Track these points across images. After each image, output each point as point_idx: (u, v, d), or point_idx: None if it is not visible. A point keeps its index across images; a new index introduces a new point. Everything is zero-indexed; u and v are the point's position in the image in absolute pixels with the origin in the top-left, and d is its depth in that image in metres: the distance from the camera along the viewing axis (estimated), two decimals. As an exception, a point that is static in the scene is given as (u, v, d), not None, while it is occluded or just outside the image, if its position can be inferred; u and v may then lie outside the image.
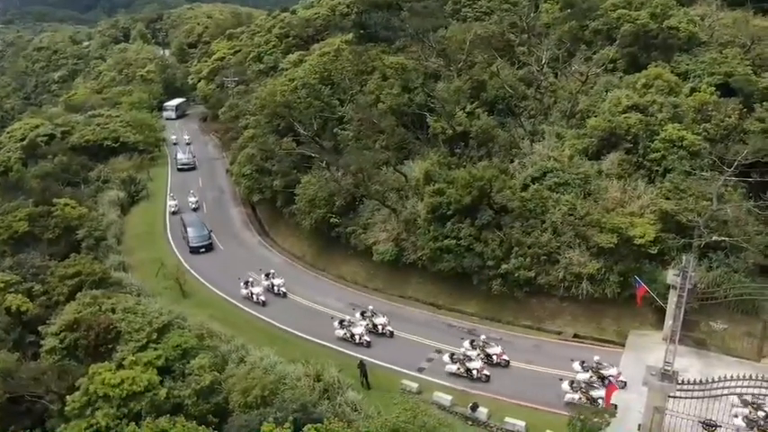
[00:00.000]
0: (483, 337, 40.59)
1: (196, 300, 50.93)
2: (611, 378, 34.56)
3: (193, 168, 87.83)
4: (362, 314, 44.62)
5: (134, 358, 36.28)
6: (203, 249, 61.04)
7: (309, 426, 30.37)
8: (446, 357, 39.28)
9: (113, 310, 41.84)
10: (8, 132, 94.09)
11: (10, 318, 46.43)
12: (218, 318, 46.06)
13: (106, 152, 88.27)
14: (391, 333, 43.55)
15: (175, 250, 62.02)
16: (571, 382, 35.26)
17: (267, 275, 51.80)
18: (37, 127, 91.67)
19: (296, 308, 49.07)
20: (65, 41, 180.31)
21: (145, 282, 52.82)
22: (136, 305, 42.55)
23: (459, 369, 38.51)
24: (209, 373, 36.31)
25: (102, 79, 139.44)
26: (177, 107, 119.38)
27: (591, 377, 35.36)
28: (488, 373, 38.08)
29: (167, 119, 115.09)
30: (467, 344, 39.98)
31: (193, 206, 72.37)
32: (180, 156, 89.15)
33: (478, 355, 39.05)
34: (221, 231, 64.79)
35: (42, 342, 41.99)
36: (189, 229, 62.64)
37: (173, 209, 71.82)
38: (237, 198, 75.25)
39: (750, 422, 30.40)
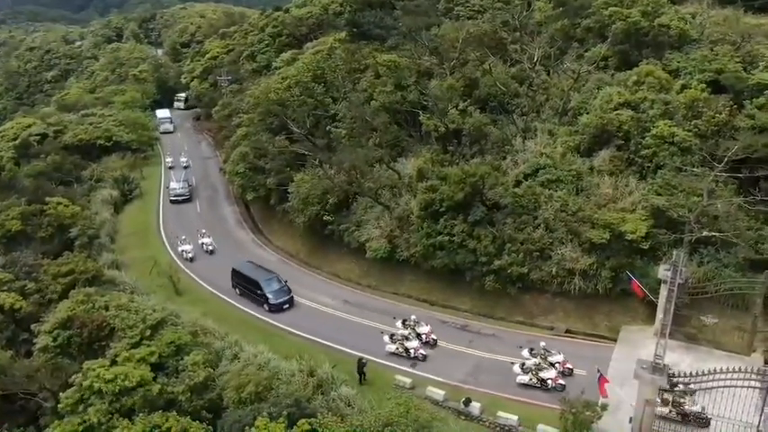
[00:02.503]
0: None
1: (190, 297, 50.95)
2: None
3: (189, 200, 74.96)
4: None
5: (128, 355, 36.33)
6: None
7: (303, 420, 30.56)
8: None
9: (107, 308, 41.88)
10: (0, 132, 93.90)
11: (3, 316, 46.35)
12: (212, 315, 46.06)
13: (99, 151, 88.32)
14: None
15: (168, 249, 61.94)
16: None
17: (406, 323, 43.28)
18: (29, 126, 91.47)
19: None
20: (57, 41, 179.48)
21: (138, 280, 52.79)
22: (129, 302, 42.61)
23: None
24: (202, 370, 36.43)
25: (94, 79, 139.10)
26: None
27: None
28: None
29: (164, 132, 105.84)
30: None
31: (210, 249, 60.11)
32: (173, 185, 75.68)
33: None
34: (215, 230, 64.76)
35: (35, 340, 42.00)
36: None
37: (187, 255, 58.76)
38: (231, 196, 75.32)
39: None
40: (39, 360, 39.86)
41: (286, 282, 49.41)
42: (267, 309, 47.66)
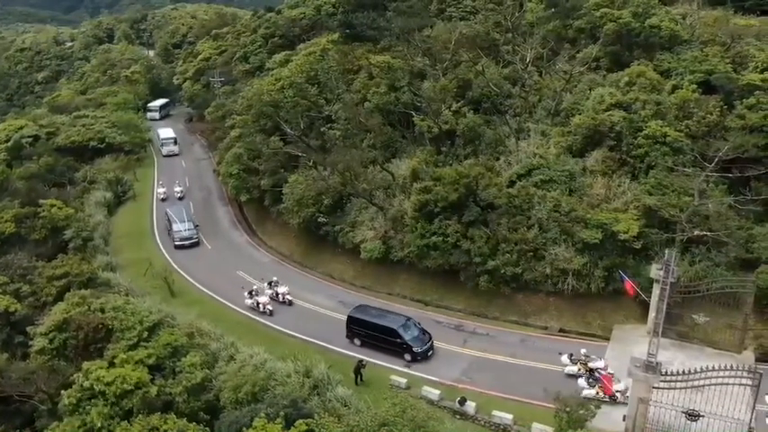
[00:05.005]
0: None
1: (185, 299, 50.98)
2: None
3: (197, 243, 62.90)
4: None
5: (125, 357, 36.42)
6: None
7: (300, 421, 30.75)
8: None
9: (102, 310, 41.90)
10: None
11: (-2, 318, 46.37)
12: (208, 316, 46.12)
13: (92, 153, 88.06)
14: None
15: (163, 250, 61.99)
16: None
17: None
18: (21, 128, 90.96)
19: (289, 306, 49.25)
20: (48, 42, 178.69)
21: (133, 281, 52.79)
22: (125, 304, 42.62)
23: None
24: (199, 371, 36.59)
25: (86, 80, 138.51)
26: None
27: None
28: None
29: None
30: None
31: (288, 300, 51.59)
32: (177, 227, 62.42)
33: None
34: (209, 231, 64.89)
35: (31, 342, 42.02)
36: None
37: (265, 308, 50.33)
38: (225, 198, 75.30)
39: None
40: (35, 362, 39.85)
41: (419, 323, 42.50)
42: (409, 359, 40.41)
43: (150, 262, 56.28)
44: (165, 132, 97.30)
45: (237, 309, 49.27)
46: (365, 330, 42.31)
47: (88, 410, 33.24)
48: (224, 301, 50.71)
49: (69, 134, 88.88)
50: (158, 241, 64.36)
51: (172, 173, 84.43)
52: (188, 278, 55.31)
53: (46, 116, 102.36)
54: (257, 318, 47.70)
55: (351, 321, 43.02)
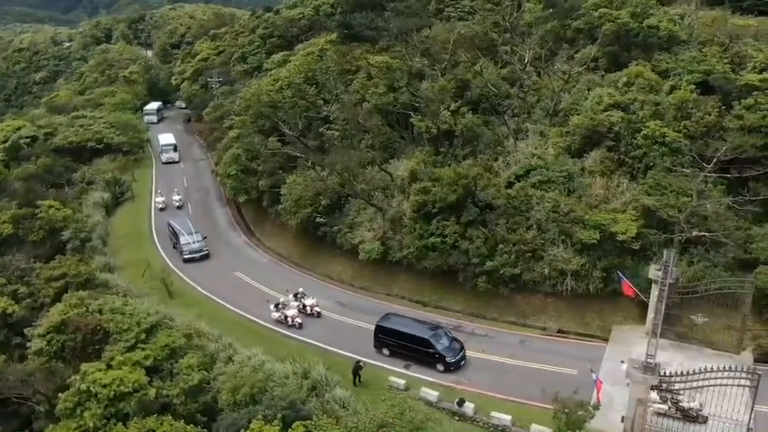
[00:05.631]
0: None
1: (183, 300, 50.91)
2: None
3: (207, 256, 59.47)
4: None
5: (123, 358, 36.33)
6: None
7: (298, 423, 30.72)
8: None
9: (100, 311, 41.78)
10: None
11: (-5, 320, 46.30)
12: (206, 317, 46.06)
13: (90, 153, 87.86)
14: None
15: (161, 251, 61.87)
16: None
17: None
18: (19, 129, 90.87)
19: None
20: (46, 42, 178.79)
21: (131, 282, 52.66)
22: (123, 306, 42.50)
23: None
24: (197, 372, 36.59)
25: (84, 80, 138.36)
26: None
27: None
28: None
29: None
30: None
31: (317, 311, 49.06)
32: (184, 239, 59.20)
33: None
34: (207, 232, 64.58)
35: (29, 344, 41.87)
36: None
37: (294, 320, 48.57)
38: (223, 198, 75.19)
39: None
40: (33, 364, 39.70)
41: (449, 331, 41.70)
42: (442, 369, 39.09)
43: (148, 263, 56.15)
44: (165, 138, 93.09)
45: (235, 309, 49.17)
46: (394, 340, 40.90)
47: (83, 413, 33.17)
48: (221, 302, 50.56)
49: (67, 135, 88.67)
50: (156, 243, 64.15)
51: (170, 180, 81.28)
52: (186, 279, 55.13)
53: (44, 117, 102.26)
54: (256, 318, 47.55)
55: (379, 331, 41.58)
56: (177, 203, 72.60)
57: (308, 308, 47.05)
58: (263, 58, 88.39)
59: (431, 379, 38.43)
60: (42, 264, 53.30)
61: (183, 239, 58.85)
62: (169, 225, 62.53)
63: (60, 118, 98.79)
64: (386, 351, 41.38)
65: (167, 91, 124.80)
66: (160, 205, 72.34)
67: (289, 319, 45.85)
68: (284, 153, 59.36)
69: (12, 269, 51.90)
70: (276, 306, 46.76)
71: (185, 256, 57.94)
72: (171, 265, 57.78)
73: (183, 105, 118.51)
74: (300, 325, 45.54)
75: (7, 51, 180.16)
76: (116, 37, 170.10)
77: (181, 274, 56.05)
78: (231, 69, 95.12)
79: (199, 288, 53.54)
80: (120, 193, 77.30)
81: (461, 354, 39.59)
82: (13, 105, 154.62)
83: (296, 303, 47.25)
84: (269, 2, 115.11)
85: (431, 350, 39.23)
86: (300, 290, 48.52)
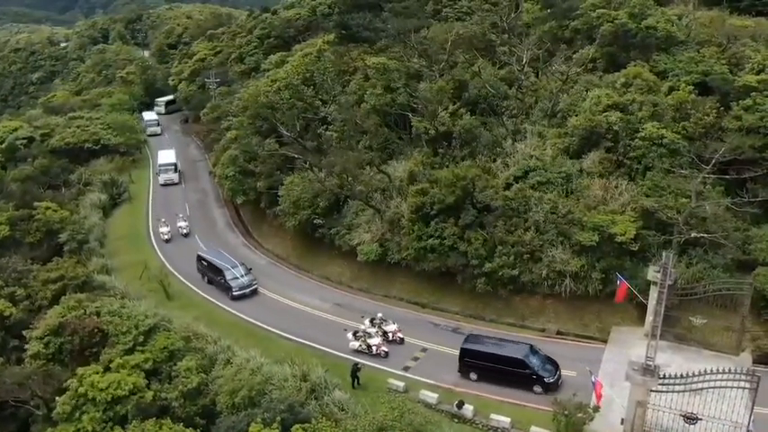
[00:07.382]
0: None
1: (181, 302, 50.80)
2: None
3: (256, 291, 51.95)
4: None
5: (121, 361, 36.26)
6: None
7: (297, 426, 30.66)
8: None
9: (98, 314, 41.80)
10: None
11: (-7, 323, 46.17)
12: (204, 319, 45.97)
13: (87, 154, 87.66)
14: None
15: (158, 252, 61.73)
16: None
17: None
18: (15, 130, 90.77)
19: (283, 308, 49.21)
20: (42, 43, 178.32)
21: (129, 284, 52.51)
22: (121, 308, 42.48)
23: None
24: (195, 375, 36.50)
25: (80, 81, 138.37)
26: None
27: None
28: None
29: (166, 183, 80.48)
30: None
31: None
32: (232, 274, 51.91)
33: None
34: (205, 233, 64.62)
35: (26, 347, 41.78)
36: None
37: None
38: (221, 200, 75.01)
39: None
40: (30, 367, 39.69)
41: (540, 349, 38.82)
42: (540, 391, 36.14)
43: (146, 264, 56.02)
44: (165, 156, 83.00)
45: (233, 311, 49.02)
46: (483, 363, 37.71)
47: (81, 417, 33.08)
48: (219, 304, 50.40)
49: (64, 135, 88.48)
50: (153, 243, 64.02)
51: (171, 205, 73.00)
52: (185, 281, 54.84)
53: (41, 117, 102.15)
54: (255, 320, 47.40)
55: (465, 354, 38.29)
56: (183, 231, 64.82)
57: (389, 334, 42.67)
58: (260, 59, 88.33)
59: (527, 404, 35.54)
60: (39, 266, 53.23)
61: (228, 275, 51.62)
62: (201, 259, 54.97)
63: (57, 119, 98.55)
64: (473, 375, 38.16)
65: (165, 91, 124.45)
66: (165, 236, 63.97)
67: (373, 348, 41.52)
68: (282, 154, 59.25)
69: (9, 271, 51.77)
70: (355, 335, 42.39)
71: (235, 293, 50.89)
72: (169, 267, 57.40)
73: (163, 111, 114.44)
74: (386, 354, 41.29)
75: (4, 51, 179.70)
76: (113, 37, 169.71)
77: (179, 276, 55.77)
78: (229, 70, 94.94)
79: (197, 290, 53.17)
80: (117, 195, 77.10)
81: (558, 373, 36.85)
82: (9, 106, 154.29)
83: (373, 329, 42.83)
84: (266, 2, 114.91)
85: (527, 371, 36.41)
86: (379, 315, 44.05)
